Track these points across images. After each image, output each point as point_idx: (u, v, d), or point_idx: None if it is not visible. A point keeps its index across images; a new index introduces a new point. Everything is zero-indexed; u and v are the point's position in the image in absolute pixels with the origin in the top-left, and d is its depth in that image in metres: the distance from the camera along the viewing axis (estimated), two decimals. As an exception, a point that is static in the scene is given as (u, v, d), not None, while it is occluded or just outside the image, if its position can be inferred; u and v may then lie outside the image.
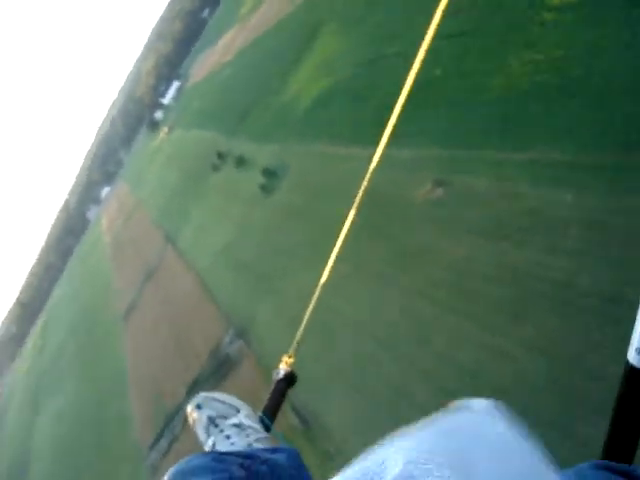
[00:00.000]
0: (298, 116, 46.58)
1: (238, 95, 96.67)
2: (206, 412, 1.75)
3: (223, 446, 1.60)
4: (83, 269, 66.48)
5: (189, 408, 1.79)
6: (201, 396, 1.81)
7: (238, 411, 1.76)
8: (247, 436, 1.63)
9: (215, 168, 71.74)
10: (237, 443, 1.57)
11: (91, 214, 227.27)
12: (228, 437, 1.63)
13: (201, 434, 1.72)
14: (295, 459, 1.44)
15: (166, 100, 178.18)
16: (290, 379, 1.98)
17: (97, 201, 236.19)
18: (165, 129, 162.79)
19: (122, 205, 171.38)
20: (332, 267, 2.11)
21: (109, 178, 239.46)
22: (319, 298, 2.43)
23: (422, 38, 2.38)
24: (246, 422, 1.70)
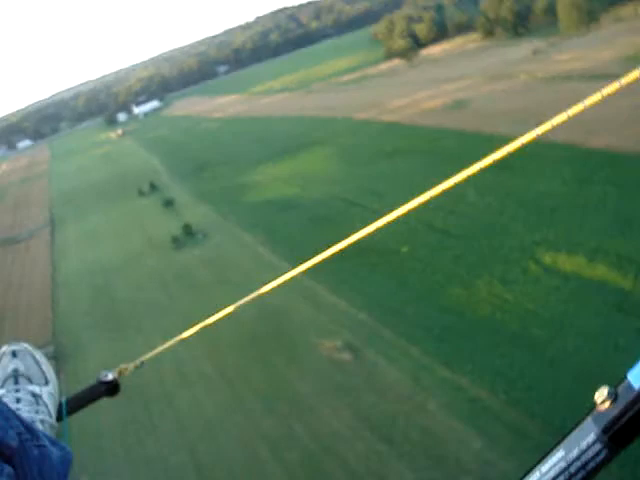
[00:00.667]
0: (244, 201, 46.91)
1: (209, 150, 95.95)
2: (16, 363, 1.66)
3: (6, 400, 1.51)
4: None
5: (5, 347, 1.70)
6: (23, 345, 1.72)
7: (46, 383, 1.67)
8: (36, 412, 1.55)
9: (141, 193, 70.02)
10: (22, 411, 1.47)
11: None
12: (18, 400, 1.55)
13: (1, 373, 1.64)
14: (66, 464, 1.39)
15: (137, 110, 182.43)
16: (113, 388, 1.87)
17: (12, 146, 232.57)
18: (120, 131, 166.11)
19: (30, 165, 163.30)
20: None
21: (37, 136, 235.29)
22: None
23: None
24: (45, 398, 1.62)
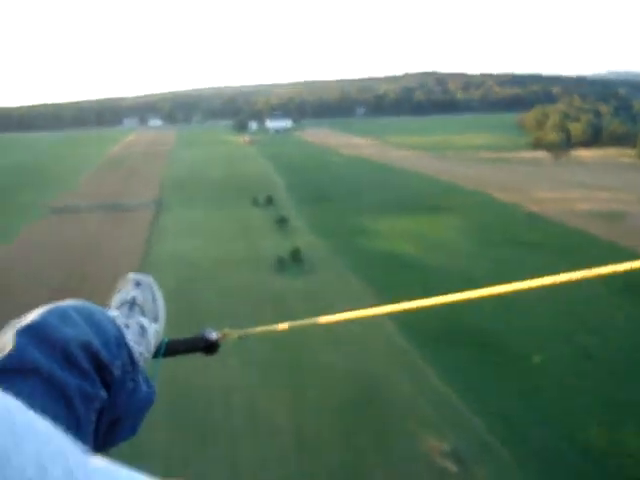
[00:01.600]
0: (360, 245, 43.15)
1: (333, 182, 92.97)
2: (136, 293, 1.71)
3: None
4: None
5: (132, 275, 1.76)
6: (149, 279, 1.77)
7: (155, 321, 1.72)
8: (139, 344, 1.59)
9: (255, 203, 66.43)
10: (126, 339, 1.47)
11: (129, 122, 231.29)
12: (127, 326, 1.59)
13: (115, 300, 1.69)
14: (149, 403, 1.46)
15: (270, 123, 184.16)
16: (212, 347, 1.89)
17: (143, 121, 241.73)
18: (247, 138, 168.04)
19: (155, 143, 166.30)
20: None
21: (169, 119, 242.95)
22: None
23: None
24: (150, 334, 1.66)
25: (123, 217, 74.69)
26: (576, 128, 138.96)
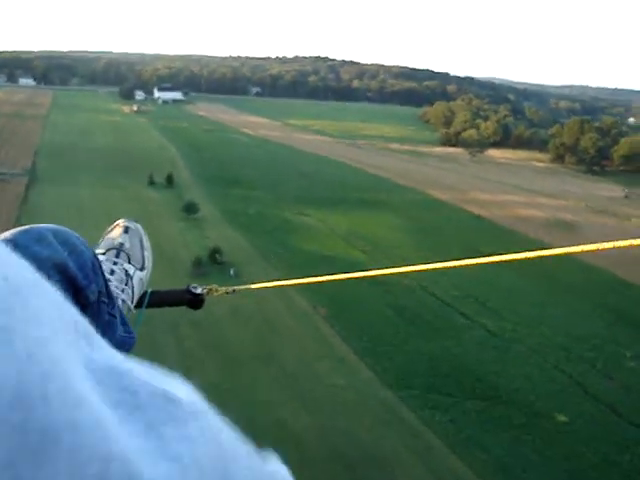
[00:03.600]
0: (291, 245, 44.91)
1: (241, 164, 76.29)
2: (124, 239, 1.69)
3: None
4: None
5: (123, 220, 1.76)
6: (137, 226, 1.75)
7: (142, 269, 1.69)
8: (122, 291, 1.57)
9: (152, 183, 47.60)
10: (111, 283, 1.48)
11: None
12: (112, 272, 1.58)
13: (102, 243, 1.68)
14: (126, 346, 1.43)
15: (158, 94, 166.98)
16: (197, 302, 1.84)
17: (12, 79, 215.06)
18: (135, 107, 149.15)
19: (28, 104, 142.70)
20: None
21: (43, 80, 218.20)
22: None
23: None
24: (134, 281, 1.64)
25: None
26: (487, 127, 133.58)
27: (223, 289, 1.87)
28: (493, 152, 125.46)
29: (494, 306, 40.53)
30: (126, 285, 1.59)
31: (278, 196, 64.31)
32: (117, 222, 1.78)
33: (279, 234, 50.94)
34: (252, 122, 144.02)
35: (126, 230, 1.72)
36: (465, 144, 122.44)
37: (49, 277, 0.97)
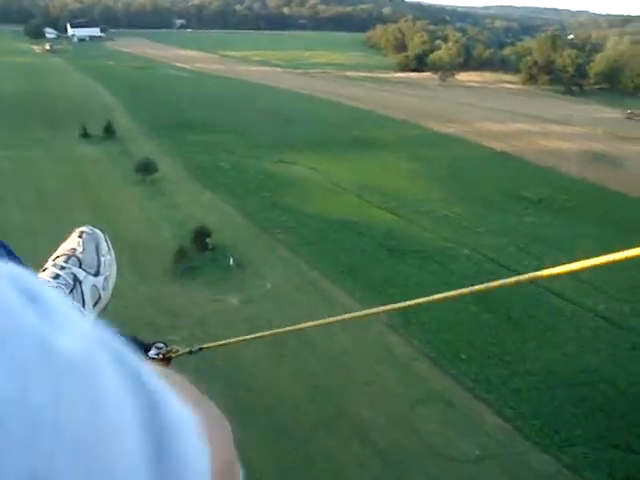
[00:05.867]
0: (289, 206, 33.57)
1: (191, 103, 70.50)
2: (77, 243, 1.59)
3: (43, 274, 1.48)
4: None
5: (81, 227, 1.64)
6: (95, 231, 1.64)
7: (96, 274, 1.57)
8: (65, 295, 1.45)
9: (86, 136, 48.68)
10: (51, 287, 1.40)
11: None
12: (56, 276, 1.48)
13: (57, 251, 1.58)
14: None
15: (72, 31, 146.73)
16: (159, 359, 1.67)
17: None
18: (47, 46, 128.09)
19: None
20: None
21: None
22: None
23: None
24: (85, 287, 1.52)
25: None
26: (450, 49, 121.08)
27: (186, 350, 1.61)
28: (459, 75, 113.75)
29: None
30: (73, 289, 1.47)
31: (250, 141, 51.07)
32: (82, 229, 1.65)
33: (270, 193, 38.18)
34: (185, 56, 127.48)
35: (80, 235, 1.61)
36: (434, 67, 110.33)
37: None
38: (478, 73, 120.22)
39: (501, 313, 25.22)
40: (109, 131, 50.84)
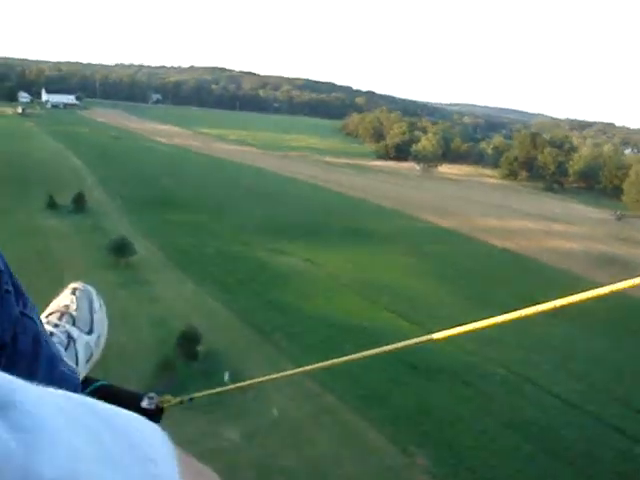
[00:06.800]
0: (287, 306, 29.83)
1: (171, 179, 59.98)
2: (69, 300, 1.57)
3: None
4: None
5: (73, 284, 1.63)
6: (87, 288, 1.63)
7: (89, 333, 1.56)
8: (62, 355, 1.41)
9: (52, 206, 44.46)
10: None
11: None
12: (50, 334, 1.40)
13: (49, 308, 1.56)
14: (50, 363, 1.30)
15: (47, 96, 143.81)
16: (149, 414, 1.53)
17: None
18: (20, 109, 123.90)
19: None
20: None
21: None
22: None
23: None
24: (79, 345, 1.50)
25: None
26: (429, 140, 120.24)
27: (178, 399, 1.58)
28: (439, 168, 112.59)
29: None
30: (67, 348, 1.45)
31: (233, 223, 46.52)
32: (68, 285, 1.62)
33: (263, 288, 33.26)
34: (161, 130, 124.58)
35: (73, 292, 1.58)
36: (416, 158, 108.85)
37: None
38: (456, 166, 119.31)
39: (562, 456, 20.38)
40: (79, 202, 45.86)
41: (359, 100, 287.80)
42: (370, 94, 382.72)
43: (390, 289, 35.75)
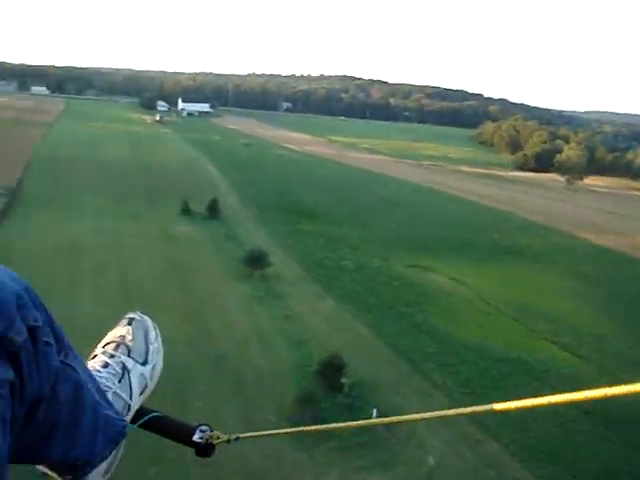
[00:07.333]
0: (439, 333, 27.26)
1: (308, 189, 58.96)
2: (126, 331, 1.57)
3: (93, 362, 1.48)
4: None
5: (129, 313, 1.63)
6: (144, 319, 1.61)
7: (144, 363, 1.56)
8: (113, 384, 1.44)
9: (187, 212, 43.92)
10: (102, 376, 1.42)
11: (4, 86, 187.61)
12: (105, 365, 1.47)
13: (105, 338, 1.58)
14: (113, 429, 1.34)
15: (182, 105, 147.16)
16: (200, 449, 1.54)
17: (23, 87, 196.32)
18: (157, 117, 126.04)
19: (33, 111, 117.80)
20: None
21: (58, 89, 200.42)
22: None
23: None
24: (133, 376, 1.51)
25: None
26: (572, 149, 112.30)
27: (225, 437, 1.56)
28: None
29: None
30: (121, 379, 1.46)
31: (371, 235, 43.74)
32: (125, 314, 1.63)
33: (409, 309, 30.14)
34: (292, 137, 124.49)
35: (129, 322, 1.59)
36: (560, 169, 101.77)
37: None
38: (602, 177, 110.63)
39: None
40: (213, 209, 44.78)
41: (492, 108, 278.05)
42: (503, 102, 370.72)
43: (548, 316, 31.52)
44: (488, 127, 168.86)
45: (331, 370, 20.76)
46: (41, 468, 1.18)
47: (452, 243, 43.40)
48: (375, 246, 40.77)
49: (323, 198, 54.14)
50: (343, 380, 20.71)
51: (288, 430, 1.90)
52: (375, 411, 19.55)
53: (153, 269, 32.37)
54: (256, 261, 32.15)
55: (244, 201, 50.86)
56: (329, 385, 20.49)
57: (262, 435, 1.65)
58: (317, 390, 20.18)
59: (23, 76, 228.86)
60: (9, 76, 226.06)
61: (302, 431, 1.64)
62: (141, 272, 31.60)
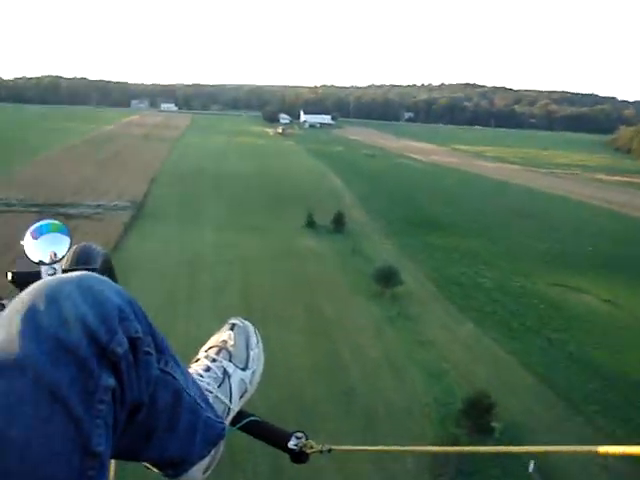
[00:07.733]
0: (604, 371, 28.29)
1: (432, 198, 58.71)
2: (228, 336, 1.62)
3: (196, 365, 1.52)
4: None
5: (232, 319, 1.67)
6: (246, 324, 1.65)
7: (244, 369, 1.59)
8: (214, 388, 1.48)
9: (311, 225, 43.41)
10: (203, 379, 1.46)
11: (137, 104, 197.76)
12: (207, 369, 1.51)
13: (208, 342, 1.63)
14: (213, 431, 1.38)
15: (304, 117, 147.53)
16: (294, 454, 1.56)
17: (154, 105, 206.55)
18: (280, 129, 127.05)
19: (162, 126, 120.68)
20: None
21: (184, 105, 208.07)
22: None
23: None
24: (233, 381, 1.55)
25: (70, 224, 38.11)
26: None
27: (318, 447, 1.55)
28: None
29: None
30: (221, 384, 1.50)
31: (507, 249, 40.22)
32: (235, 320, 1.67)
33: (559, 335, 26.66)
34: (416, 147, 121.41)
35: (232, 327, 1.64)
36: None
37: (68, 343, 0.92)
38: None
39: None
40: (339, 222, 42.94)
41: (628, 112, 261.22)
42: (636, 104, 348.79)
43: None
44: (625, 132, 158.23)
45: (479, 410, 17.97)
46: (143, 463, 1.22)
47: (598, 259, 39.06)
48: (511, 262, 37.28)
49: (451, 210, 51.09)
50: (494, 424, 17.85)
51: (386, 448, 1.69)
52: (532, 464, 16.59)
53: (275, 284, 30.84)
54: (387, 279, 29.78)
55: (370, 213, 48.75)
56: (476, 428, 17.70)
57: (357, 450, 1.68)
58: (462, 434, 17.46)
59: (154, 95, 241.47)
60: (142, 95, 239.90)
61: (407, 451, 1.68)
62: (262, 287, 30.18)
